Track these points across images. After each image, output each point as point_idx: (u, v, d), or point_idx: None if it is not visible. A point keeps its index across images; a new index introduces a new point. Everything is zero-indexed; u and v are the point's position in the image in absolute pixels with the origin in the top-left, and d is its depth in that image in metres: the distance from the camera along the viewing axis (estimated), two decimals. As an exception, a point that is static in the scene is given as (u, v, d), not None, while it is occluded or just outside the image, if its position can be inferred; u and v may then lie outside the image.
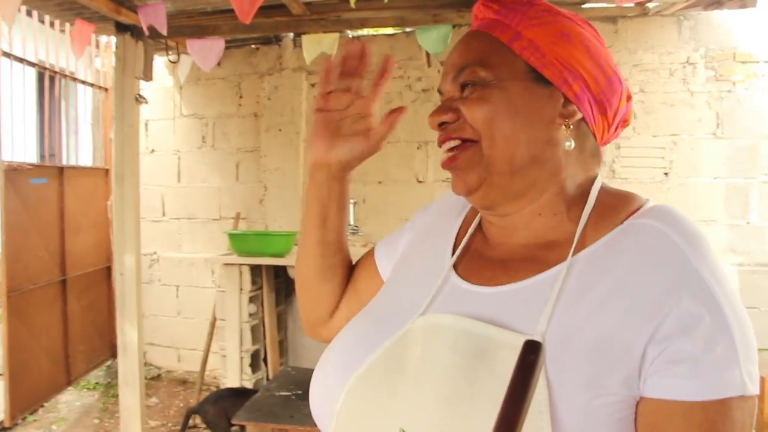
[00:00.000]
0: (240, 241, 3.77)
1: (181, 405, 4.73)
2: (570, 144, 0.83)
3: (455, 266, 0.91)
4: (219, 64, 3.78)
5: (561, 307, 0.74)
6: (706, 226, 4.12)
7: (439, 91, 0.91)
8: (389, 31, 4.52)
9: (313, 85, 4.66)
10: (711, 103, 4.10)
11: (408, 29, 4.36)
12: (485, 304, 0.81)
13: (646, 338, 0.68)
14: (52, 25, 4.51)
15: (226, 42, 3.80)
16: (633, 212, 0.80)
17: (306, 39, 3.61)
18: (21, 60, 4.18)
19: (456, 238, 0.97)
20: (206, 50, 3.67)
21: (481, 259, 0.90)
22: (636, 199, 0.84)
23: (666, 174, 4.17)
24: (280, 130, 4.64)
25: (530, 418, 0.65)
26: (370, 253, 1.13)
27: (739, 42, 4.05)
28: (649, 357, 0.68)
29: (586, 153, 0.87)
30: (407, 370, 0.79)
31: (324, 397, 0.86)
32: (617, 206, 0.82)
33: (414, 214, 1.11)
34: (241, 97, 4.88)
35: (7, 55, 4.01)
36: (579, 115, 0.84)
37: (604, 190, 0.86)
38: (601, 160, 0.90)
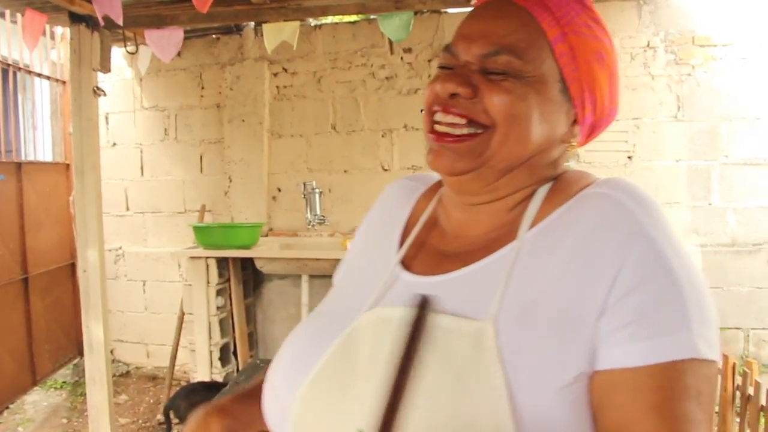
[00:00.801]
0: (205, 234, 3.72)
1: (152, 401, 4.68)
2: (570, 164, 0.84)
3: (405, 262, 0.88)
4: (179, 54, 3.73)
5: (513, 286, 0.73)
6: (669, 208, 4.17)
7: (448, 50, 0.83)
8: (351, 18, 4.49)
9: (275, 75, 4.61)
10: (671, 87, 4.15)
11: (371, 17, 4.34)
12: (437, 291, 0.77)
13: (599, 305, 0.67)
14: (2, 15, 4.39)
15: (186, 32, 3.74)
16: (584, 187, 0.80)
17: (267, 28, 3.57)
18: (-27, 53, 4.07)
19: (404, 231, 0.94)
20: (165, 41, 3.60)
21: (435, 254, 0.88)
22: (588, 175, 0.83)
23: (629, 158, 4.21)
24: (243, 120, 4.59)
25: (488, 403, 0.65)
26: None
27: (697, 26, 4.10)
28: (602, 325, 0.67)
29: (562, 161, 0.87)
30: (358, 368, 0.76)
31: (277, 407, 0.83)
32: (570, 184, 0.82)
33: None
34: (202, 87, 4.81)
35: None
36: (578, 139, 0.84)
37: (562, 175, 0.85)
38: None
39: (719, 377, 3.30)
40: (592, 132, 0.86)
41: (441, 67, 0.83)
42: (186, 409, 3.50)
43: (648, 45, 4.15)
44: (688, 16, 4.11)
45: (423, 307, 0.69)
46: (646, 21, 4.15)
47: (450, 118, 0.79)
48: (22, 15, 3.47)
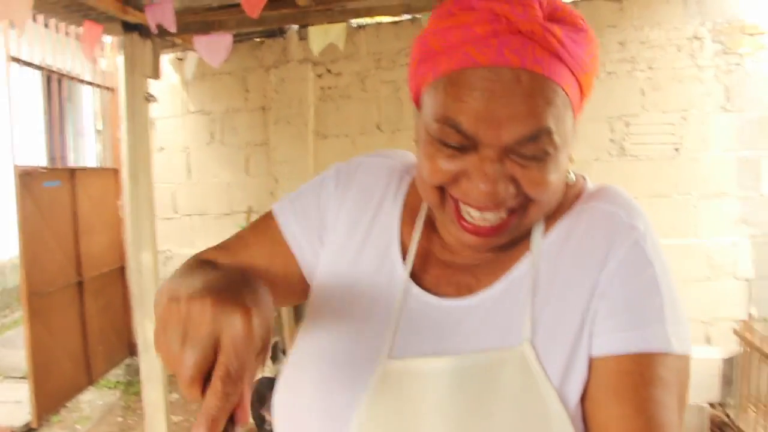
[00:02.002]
0: (255, 235, 3.77)
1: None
2: (572, 177, 0.81)
3: (414, 277, 0.82)
4: (224, 59, 3.78)
5: (539, 303, 0.75)
6: (717, 199, 4.13)
7: (452, 125, 0.69)
8: (394, 18, 4.50)
9: (319, 76, 4.65)
10: (719, 77, 4.09)
11: (416, 16, 4.35)
12: (463, 320, 0.77)
13: (594, 310, 0.73)
14: (56, 28, 4.51)
15: (231, 36, 3.80)
16: (578, 195, 0.82)
17: (312, 30, 3.61)
18: (28, 64, 4.18)
19: (401, 234, 0.86)
20: (214, 46, 3.66)
21: (442, 265, 0.83)
22: (577, 181, 0.82)
23: (677, 149, 4.16)
24: (288, 122, 4.64)
25: (556, 426, 0.69)
26: (273, 232, 0.91)
27: (745, 14, 4.04)
28: (597, 318, 0.73)
29: None
30: (411, 425, 0.73)
31: None
32: (563, 192, 0.79)
33: (337, 178, 0.91)
34: (247, 91, 4.88)
35: (15, 59, 4.01)
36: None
37: None
38: None
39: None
40: None
41: (439, 142, 0.72)
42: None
43: (695, 36, 4.10)
44: (736, 4, 4.05)
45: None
46: (692, 11, 4.09)
47: (489, 215, 0.73)
48: (78, 26, 3.57)
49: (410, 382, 0.74)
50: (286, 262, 0.89)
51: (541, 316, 0.74)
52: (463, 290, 0.79)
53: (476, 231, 0.73)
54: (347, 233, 0.88)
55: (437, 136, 0.71)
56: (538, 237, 0.79)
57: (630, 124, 4.20)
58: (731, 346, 3.76)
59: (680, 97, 4.13)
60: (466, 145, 0.70)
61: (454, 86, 0.69)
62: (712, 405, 3.84)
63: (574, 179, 0.81)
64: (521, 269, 0.78)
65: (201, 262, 0.88)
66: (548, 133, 0.68)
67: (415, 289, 0.80)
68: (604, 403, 0.69)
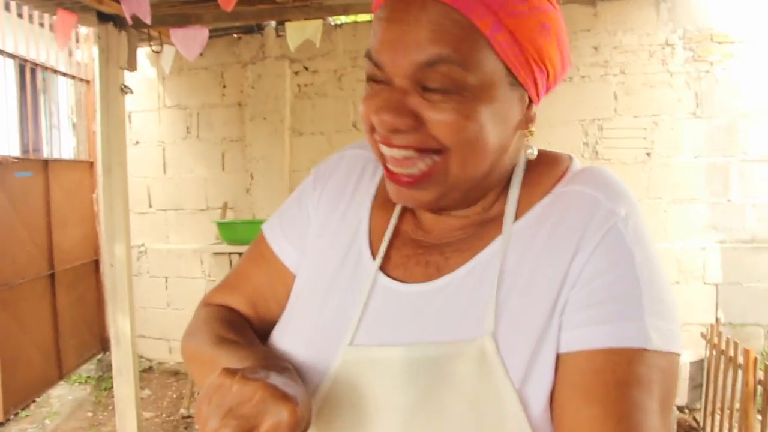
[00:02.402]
0: (229, 230, 3.79)
1: (174, 396, 4.75)
2: (533, 152, 0.78)
3: (382, 262, 0.81)
4: (201, 54, 3.77)
5: (504, 292, 0.71)
6: (688, 204, 4.20)
7: (371, 57, 0.71)
8: (371, 17, 4.53)
9: (296, 73, 4.67)
10: (690, 84, 4.16)
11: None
12: (425, 307, 0.75)
13: (569, 286, 0.68)
14: (30, 18, 4.47)
15: (209, 31, 3.80)
16: (560, 177, 0.77)
17: (290, 26, 3.62)
18: (1, 52, 4.14)
19: (370, 219, 0.86)
20: (190, 39, 3.66)
21: (411, 245, 0.82)
22: (560, 160, 0.80)
23: (648, 154, 4.24)
24: (264, 118, 4.65)
25: (508, 424, 0.65)
26: (265, 253, 0.93)
27: (715, 23, 4.12)
28: (567, 309, 0.68)
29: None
30: (363, 417, 0.73)
31: None
32: (544, 173, 0.78)
33: (314, 180, 0.93)
34: (224, 86, 4.88)
35: (-12, 48, 3.98)
36: (535, 115, 0.76)
37: (533, 163, 0.80)
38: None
39: (716, 370, 3.32)
40: (547, 91, 0.77)
41: (369, 80, 0.73)
42: None
43: (666, 42, 4.17)
44: (707, 13, 4.13)
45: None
46: (664, 18, 4.16)
47: (396, 152, 0.71)
48: (53, 15, 3.55)
49: (366, 370, 0.73)
50: (287, 281, 0.90)
51: (506, 307, 0.69)
52: (431, 271, 0.77)
53: (398, 180, 0.73)
54: (322, 224, 0.88)
55: (366, 73, 0.73)
56: (509, 219, 0.75)
57: (603, 128, 4.27)
58: (699, 350, 3.82)
59: (652, 103, 4.20)
60: (381, 78, 0.70)
61: (376, 20, 0.71)
62: (680, 409, 3.91)
63: (535, 154, 0.77)
64: (489, 252, 0.74)
65: (224, 312, 0.92)
66: (447, 61, 0.66)
67: (381, 276, 0.79)
68: (572, 404, 0.64)
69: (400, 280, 0.78)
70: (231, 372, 0.62)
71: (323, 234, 0.87)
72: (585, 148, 4.29)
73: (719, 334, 3.50)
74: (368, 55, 0.71)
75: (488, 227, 0.77)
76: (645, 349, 0.63)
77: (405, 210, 0.84)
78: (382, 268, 0.80)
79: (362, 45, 4.54)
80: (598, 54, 4.21)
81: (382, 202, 0.86)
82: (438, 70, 0.66)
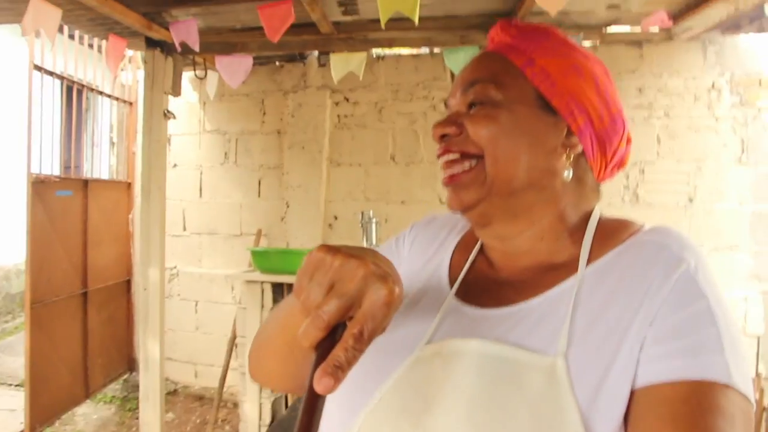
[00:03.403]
0: (263, 258, 3.76)
1: (198, 421, 4.72)
2: (568, 174, 0.86)
3: (459, 294, 0.90)
4: (244, 81, 3.81)
5: (578, 321, 0.75)
6: (730, 252, 4.09)
7: (446, 105, 0.93)
8: (414, 51, 4.54)
9: (337, 104, 4.68)
10: (736, 129, 4.08)
11: (435, 50, 4.39)
12: (497, 326, 0.81)
13: (641, 338, 0.70)
14: (80, 39, 4.57)
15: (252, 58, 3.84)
16: (634, 233, 0.83)
17: (334, 58, 3.64)
18: (51, 73, 4.22)
19: (452, 259, 0.98)
20: (234, 67, 3.70)
21: (485, 280, 0.91)
22: (634, 223, 0.86)
23: (690, 200, 4.15)
24: (303, 147, 4.66)
25: None
26: None
27: (764, 67, 4.04)
28: (645, 345, 0.70)
29: (585, 186, 0.90)
30: (429, 399, 0.76)
31: None
32: (618, 229, 0.84)
33: (411, 228, 1.09)
34: (264, 113, 4.90)
35: (38, 68, 4.05)
36: (580, 148, 0.86)
37: (604, 219, 0.89)
38: (599, 194, 0.93)
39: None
40: (603, 144, 0.87)
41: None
42: None
43: (713, 86, 4.10)
44: (755, 57, 4.06)
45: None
46: (711, 61, 4.10)
47: (446, 157, 0.87)
48: (102, 40, 3.62)
49: (440, 360, 0.79)
50: None
51: (578, 335, 0.74)
52: (503, 301, 0.84)
53: (446, 181, 0.88)
54: (412, 262, 1.02)
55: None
56: (583, 261, 0.82)
57: (645, 171, 4.19)
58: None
59: (696, 147, 4.12)
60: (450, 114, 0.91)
61: None
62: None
63: (570, 176, 0.86)
64: (561, 288, 0.80)
65: None
66: (482, 81, 0.86)
67: (456, 301, 0.89)
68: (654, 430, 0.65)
69: (474, 306, 0.86)
70: (332, 248, 0.64)
71: (412, 268, 1.00)
72: (626, 192, 4.22)
73: (761, 390, 3.38)
74: (445, 103, 0.94)
75: (558, 271, 0.84)
76: (728, 386, 0.65)
77: (480, 252, 0.96)
78: (458, 296, 0.90)
79: (404, 78, 4.55)
80: (642, 96, 4.16)
81: (463, 247, 0.99)
82: (475, 89, 0.86)
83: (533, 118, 0.84)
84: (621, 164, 0.93)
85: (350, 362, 0.59)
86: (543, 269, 0.86)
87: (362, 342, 0.60)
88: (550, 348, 0.74)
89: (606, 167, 0.90)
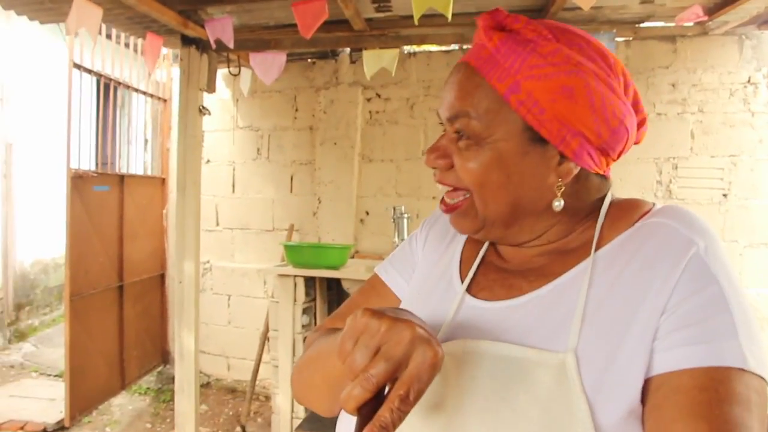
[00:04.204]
0: (296, 253, 3.81)
1: (230, 413, 4.79)
2: (559, 204, 0.83)
3: (470, 286, 0.91)
4: (277, 77, 3.85)
5: (589, 314, 0.75)
6: (765, 248, 4.04)
7: (439, 115, 0.89)
8: (445, 47, 4.55)
9: (368, 100, 4.71)
10: (773, 124, 4.03)
11: (465, 46, 4.39)
12: (507, 319, 0.81)
13: (659, 313, 0.70)
14: (117, 38, 4.65)
15: (285, 56, 3.88)
16: (644, 214, 0.83)
17: (366, 54, 3.66)
18: (89, 71, 4.31)
19: (462, 253, 0.99)
20: (268, 63, 3.75)
21: (495, 272, 0.91)
22: (644, 203, 0.86)
23: (725, 195, 4.10)
24: (335, 143, 4.70)
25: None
26: (376, 285, 1.07)
27: (802, 62, 3.99)
28: (659, 333, 0.70)
29: (590, 189, 0.88)
30: (442, 399, 0.78)
31: None
32: (628, 211, 0.84)
33: (422, 226, 1.11)
34: (296, 110, 4.95)
35: (77, 66, 4.14)
36: (575, 171, 0.83)
37: (615, 201, 0.89)
38: (608, 184, 0.91)
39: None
40: (605, 152, 0.84)
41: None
42: None
43: (749, 81, 4.05)
44: (793, 52, 4.00)
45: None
46: (747, 56, 4.05)
47: (441, 188, 0.89)
48: (142, 38, 3.69)
49: (452, 361, 0.79)
50: (395, 306, 0.98)
51: (589, 325, 0.74)
52: (514, 292, 0.84)
53: (442, 209, 0.90)
54: (426, 260, 1.03)
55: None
56: (591, 247, 0.82)
57: (678, 167, 4.16)
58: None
59: (730, 143, 4.07)
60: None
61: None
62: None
63: (561, 206, 0.84)
64: (572, 274, 0.80)
65: (332, 330, 0.99)
66: (464, 116, 0.82)
67: (467, 296, 0.89)
68: (674, 421, 0.66)
69: (485, 300, 0.87)
70: (377, 312, 0.65)
71: (425, 267, 1.01)
72: (658, 187, 4.18)
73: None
74: (438, 113, 0.89)
75: (569, 256, 0.84)
76: (743, 370, 0.66)
77: (491, 244, 0.96)
78: (470, 290, 0.90)
79: (435, 74, 4.56)
80: (675, 91, 4.12)
81: (473, 241, 0.99)
82: (460, 121, 0.82)
83: (520, 156, 0.81)
84: (636, 143, 0.90)
85: (395, 423, 0.60)
86: (553, 255, 0.87)
87: (408, 404, 0.61)
88: (559, 342, 0.74)
89: (614, 160, 0.88)
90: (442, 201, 0.90)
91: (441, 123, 0.89)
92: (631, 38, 4.10)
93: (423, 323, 0.67)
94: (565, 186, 0.84)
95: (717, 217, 4.07)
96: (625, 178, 4.17)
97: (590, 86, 0.78)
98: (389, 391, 0.63)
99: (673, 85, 4.13)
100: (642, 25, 3.88)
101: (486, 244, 0.96)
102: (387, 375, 0.62)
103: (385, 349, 0.63)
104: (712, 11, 3.51)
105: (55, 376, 5.33)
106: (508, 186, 0.82)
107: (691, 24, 3.86)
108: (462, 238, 1.01)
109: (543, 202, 0.84)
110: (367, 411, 0.62)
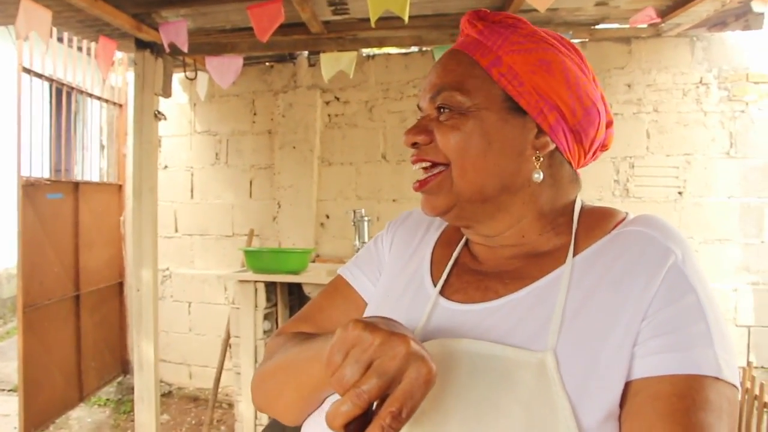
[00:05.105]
0: (256, 258, 3.76)
1: (193, 422, 4.71)
2: (539, 176, 0.85)
3: (444, 288, 0.90)
4: (234, 81, 3.81)
5: (568, 315, 0.75)
6: (720, 244, 4.13)
7: (419, 107, 0.92)
8: (403, 49, 4.55)
9: (327, 103, 4.68)
10: (724, 123, 4.11)
11: (424, 48, 4.40)
12: (485, 321, 0.81)
13: (635, 333, 0.71)
14: (68, 42, 4.55)
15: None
16: (618, 223, 0.85)
17: (324, 57, 3.64)
18: (40, 76, 4.20)
19: (433, 255, 0.98)
20: (224, 67, 3.70)
21: (470, 274, 0.90)
22: (617, 211, 0.88)
23: (680, 193, 4.18)
24: (294, 147, 4.66)
25: (559, 430, 0.68)
26: (340, 286, 1.06)
27: (751, 62, 4.08)
28: (637, 344, 0.71)
29: (563, 180, 0.90)
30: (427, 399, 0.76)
31: None
32: (603, 219, 0.86)
33: (388, 227, 1.09)
34: (255, 114, 4.90)
35: (27, 70, 4.03)
36: (551, 146, 0.85)
37: (587, 208, 0.90)
38: (579, 184, 0.93)
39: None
40: (579, 136, 0.87)
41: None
42: None
43: (701, 81, 4.13)
44: (742, 53, 4.09)
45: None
46: (699, 57, 4.13)
47: (417, 166, 0.89)
48: (91, 42, 3.61)
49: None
50: (361, 309, 1.00)
51: (567, 327, 0.74)
52: (490, 295, 0.84)
53: (416, 186, 0.89)
54: (393, 262, 1.02)
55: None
56: (570, 252, 0.82)
57: (635, 165, 4.22)
58: (729, 394, 3.71)
59: (685, 141, 4.16)
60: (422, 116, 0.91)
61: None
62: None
63: (541, 178, 0.85)
64: (549, 279, 0.81)
65: (299, 334, 0.99)
66: (448, 88, 0.84)
67: (441, 299, 0.88)
68: (652, 427, 0.67)
69: (460, 302, 0.86)
70: (369, 324, 0.63)
71: (393, 269, 1.00)
72: (616, 186, 4.24)
73: (752, 379, 3.40)
74: (418, 105, 0.92)
75: (544, 260, 0.84)
76: (718, 378, 0.67)
77: (465, 246, 0.96)
78: (443, 292, 0.89)
79: (394, 77, 4.56)
80: (631, 92, 4.18)
81: (445, 242, 0.99)
82: (442, 96, 0.84)
83: (501, 123, 0.83)
84: (603, 147, 0.94)
85: None
86: (528, 258, 0.87)
87: (400, 421, 0.59)
88: (538, 342, 0.74)
89: (585, 155, 0.90)
90: (417, 181, 0.89)
91: (420, 116, 0.91)
92: (587, 40, 4.15)
93: (414, 336, 0.65)
94: (543, 158, 0.85)
95: (673, 215, 4.14)
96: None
97: (565, 64, 0.84)
98: (377, 407, 0.61)
99: (629, 86, 4.19)
100: (597, 27, 3.94)
101: (460, 245, 0.96)
102: (379, 391, 0.60)
103: (378, 364, 0.60)
104: (664, 13, 3.58)
105: (9, 390, 5.18)
106: (488, 154, 0.83)
107: (644, 26, 3.92)
108: (432, 240, 1.00)
109: (521, 176, 0.85)
110: (354, 428, 0.60)
